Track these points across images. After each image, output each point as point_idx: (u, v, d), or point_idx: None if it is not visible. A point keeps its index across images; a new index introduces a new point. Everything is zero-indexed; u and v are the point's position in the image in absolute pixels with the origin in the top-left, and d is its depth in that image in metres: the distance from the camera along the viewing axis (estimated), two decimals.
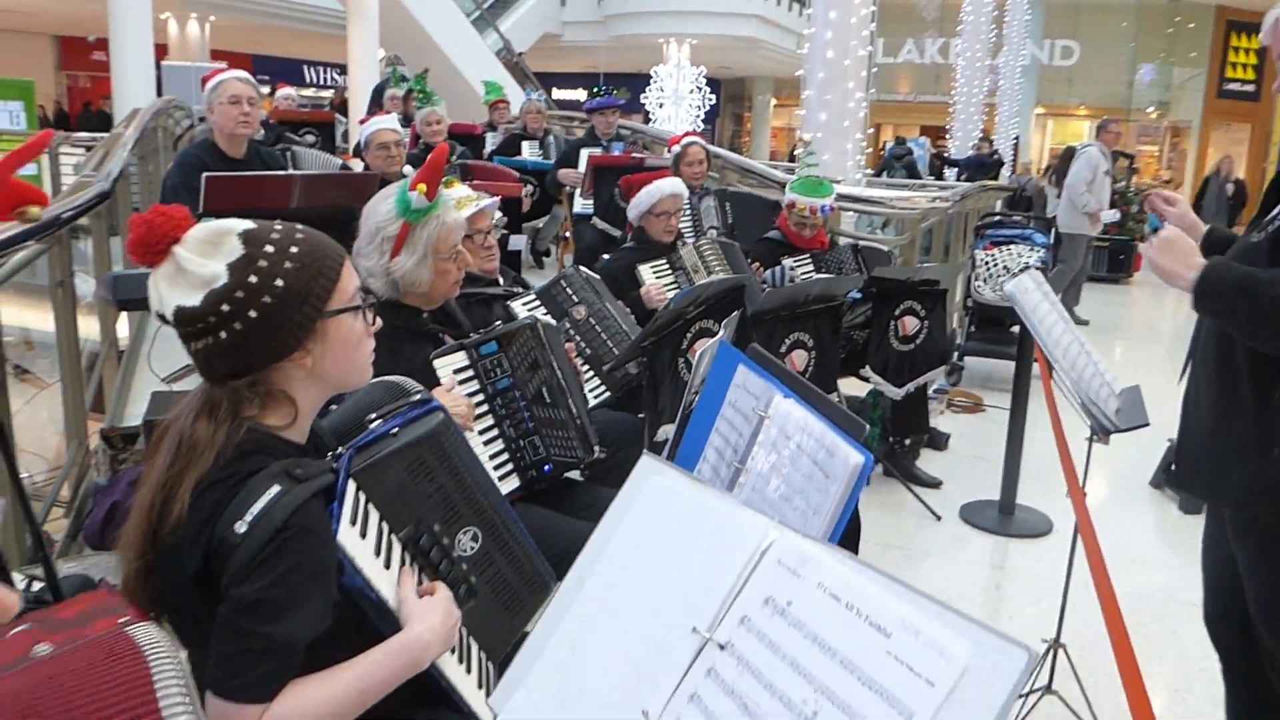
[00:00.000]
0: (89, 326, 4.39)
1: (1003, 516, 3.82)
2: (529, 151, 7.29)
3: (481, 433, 2.19)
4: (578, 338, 3.09)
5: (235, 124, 3.58)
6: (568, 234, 6.78)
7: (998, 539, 3.72)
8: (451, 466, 1.51)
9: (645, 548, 0.99)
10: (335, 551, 1.27)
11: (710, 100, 19.47)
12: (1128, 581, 3.43)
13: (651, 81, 19.40)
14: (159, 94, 10.75)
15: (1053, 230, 5.98)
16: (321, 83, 27.02)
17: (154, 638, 0.79)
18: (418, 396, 1.55)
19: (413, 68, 19.28)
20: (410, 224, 2.08)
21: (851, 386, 4.20)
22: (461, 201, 3.03)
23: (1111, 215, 8.02)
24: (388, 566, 1.39)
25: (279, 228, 1.33)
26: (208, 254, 1.26)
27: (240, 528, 1.18)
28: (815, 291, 3.27)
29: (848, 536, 1.29)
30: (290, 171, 3.27)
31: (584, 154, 6.16)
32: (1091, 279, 8.95)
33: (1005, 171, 16.53)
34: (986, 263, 5.65)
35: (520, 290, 3.17)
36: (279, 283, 1.26)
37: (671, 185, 3.78)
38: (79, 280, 3.81)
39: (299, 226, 1.36)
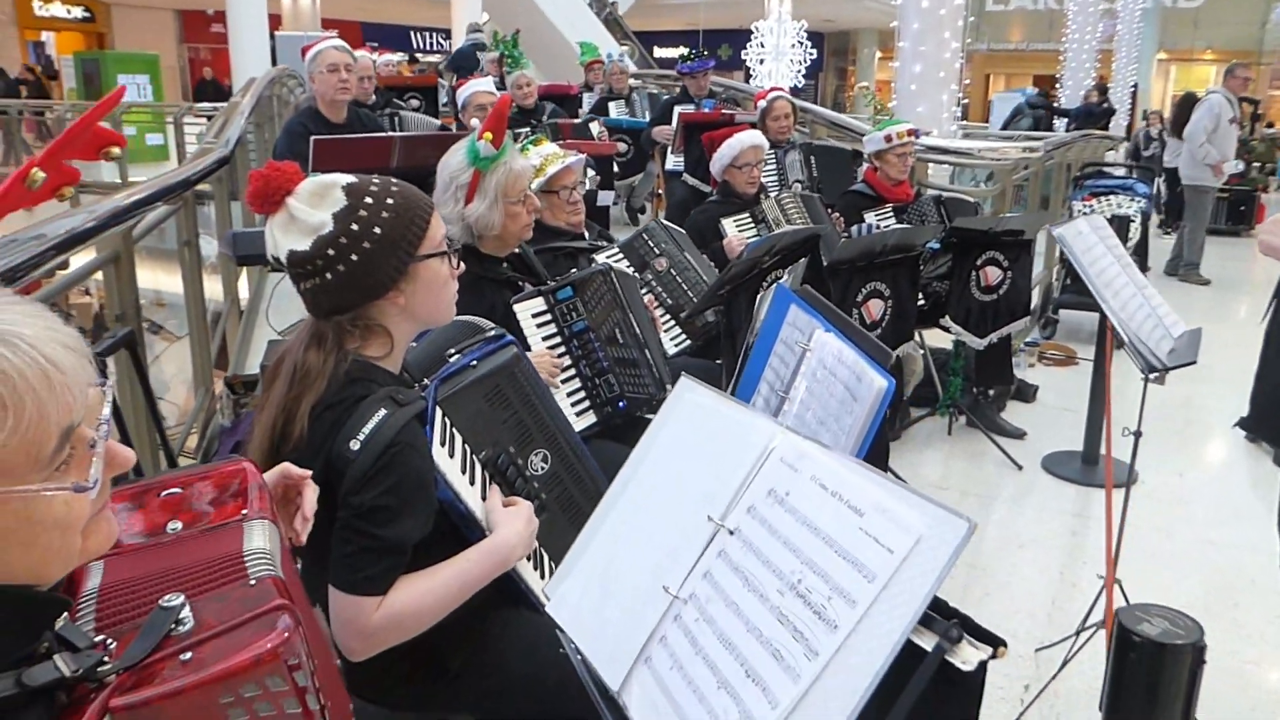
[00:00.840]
0: (212, 287, 4.74)
1: (1085, 466, 3.82)
2: (615, 111, 7.41)
3: (561, 371, 2.36)
4: (659, 288, 3.23)
5: (335, 90, 3.81)
6: (660, 191, 6.89)
7: (1079, 488, 3.74)
8: (524, 395, 1.68)
9: (677, 453, 1.13)
10: (433, 466, 1.45)
11: (812, 55, 19.09)
12: (1209, 531, 3.43)
13: (752, 37, 19.14)
14: (273, 64, 11.21)
15: (1155, 181, 5.81)
16: (427, 48, 27.57)
17: (259, 542, 0.95)
18: (492, 333, 1.72)
19: (513, 30, 19.52)
20: (480, 171, 2.24)
21: (938, 339, 4.24)
22: (549, 158, 3.19)
23: (1234, 166, 7.66)
24: (472, 483, 1.57)
25: (377, 182, 1.50)
26: (316, 204, 1.44)
27: (354, 445, 1.37)
28: (891, 242, 3.33)
29: (874, 456, 1.40)
30: (389, 133, 3.47)
31: (676, 112, 6.25)
32: (1211, 232, 8.61)
33: (1121, 121, 15.86)
34: (1084, 214, 5.54)
35: (605, 244, 3.32)
36: (377, 230, 1.43)
37: (751, 138, 3.86)
38: (203, 243, 4.13)
39: (394, 181, 1.53)
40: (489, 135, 2.21)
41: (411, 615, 1.38)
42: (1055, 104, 13.37)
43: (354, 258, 1.42)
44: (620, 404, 2.39)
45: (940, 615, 0.80)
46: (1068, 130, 11.22)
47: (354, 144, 3.29)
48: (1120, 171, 6.05)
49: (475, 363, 1.63)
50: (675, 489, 1.09)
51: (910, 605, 0.77)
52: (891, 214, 4.16)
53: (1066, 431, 4.17)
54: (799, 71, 19.04)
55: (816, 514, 0.90)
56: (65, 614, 0.84)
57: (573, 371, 2.38)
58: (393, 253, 1.45)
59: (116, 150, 0.87)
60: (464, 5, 16.18)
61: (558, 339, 2.37)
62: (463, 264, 1.59)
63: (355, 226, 1.42)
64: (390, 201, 1.47)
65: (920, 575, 0.78)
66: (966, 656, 0.78)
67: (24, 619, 0.75)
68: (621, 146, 6.99)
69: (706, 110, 6.29)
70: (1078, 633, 2.43)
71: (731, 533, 0.98)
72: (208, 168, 3.71)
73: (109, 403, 0.77)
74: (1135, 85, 18.75)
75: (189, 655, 0.81)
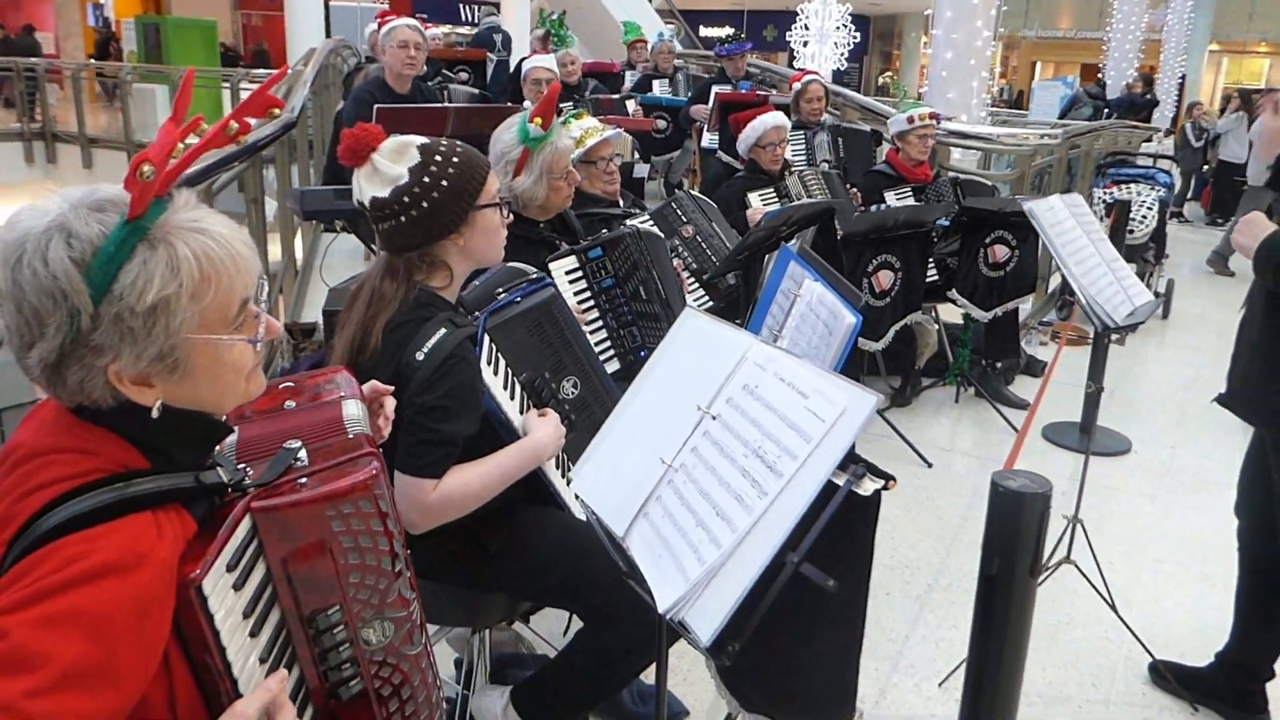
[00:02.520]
0: (271, 248, 5.10)
1: (1082, 436, 4.06)
2: (659, 89, 7.66)
3: (590, 324, 2.66)
4: (685, 253, 3.52)
5: (403, 65, 4.14)
6: (696, 167, 7.16)
7: (1075, 455, 3.98)
8: (559, 329, 1.99)
9: (678, 363, 1.43)
10: (481, 378, 1.76)
11: (855, 38, 19.14)
12: (1191, 497, 3.67)
13: (796, 19, 19.22)
14: (328, 34, 11.56)
15: (1194, 172, 5.94)
16: (476, 20, 27.83)
17: (354, 412, 1.26)
18: (534, 275, 2.02)
19: (562, 7, 19.70)
20: (529, 150, 2.54)
21: (953, 314, 4.49)
22: (589, 131, 3.48)
23: None
24: (512, 398, 1.88)
25: (445, 144, 1.81)
26: (395, 160, 1.75)
27: (419, 355, 1.68)
28: (902, 217, 3.58)
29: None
30: (446, 104, 3.78)
31: (714, 92, 6.51)
32: None
33: (1167, 113, 15.80)
34: (1105, 201, 5.74)
35: (637, 211, 3.61)
36: (444, 183, 1.74)
37: (774, 119, 4.13)
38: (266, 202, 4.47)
39: (459, 143, 1.84)
40: (539, 120, 2.51)
41: (460, 496, 1.69)
42: (1092, 92, 13.39)
43: (424, 205, 1.73)
44: (642, 353, 2.68)
45: (851, 462, 1.09)
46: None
47: (413, 113, 3.61)
48: (1144, 161, 6.23)
49: (519, 299, 1.94)
50: (674, 389, 1.39)
51: (832, 455, 1.06)
52: (910, 193, 4.41)
53: (1072, 405, 4.40)
54: (842, 55, 19.08)
55: (775, 399, 1.20)
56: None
57: (600, 323, 2.68)
58: (456, 202, 1.75)
59: (278, 111, 1.17)
60: None
61: (588, 293, 2.67)
62: (511, 216, 1.90)
63: (426, 179, 1.73)
64: (456, 160, 1.77)
65: (842, 434, 1.08)
66: (866, 487, 1.08)
67: (205, 437, 1.06)
68: (661, 123, 7.26)
69: (743, 91, 6.54)
70: (1046, 567, 2.70)
71: (714, 418, 1.28)
72: (275, 132, 4.04)
73: (266, 289, 1.09)
74: (1183, 77, 18.61)
75: (304, 480, 1.12)
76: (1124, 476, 3.82)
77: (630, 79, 8.23)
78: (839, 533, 1.06)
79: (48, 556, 0.88)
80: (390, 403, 1.48)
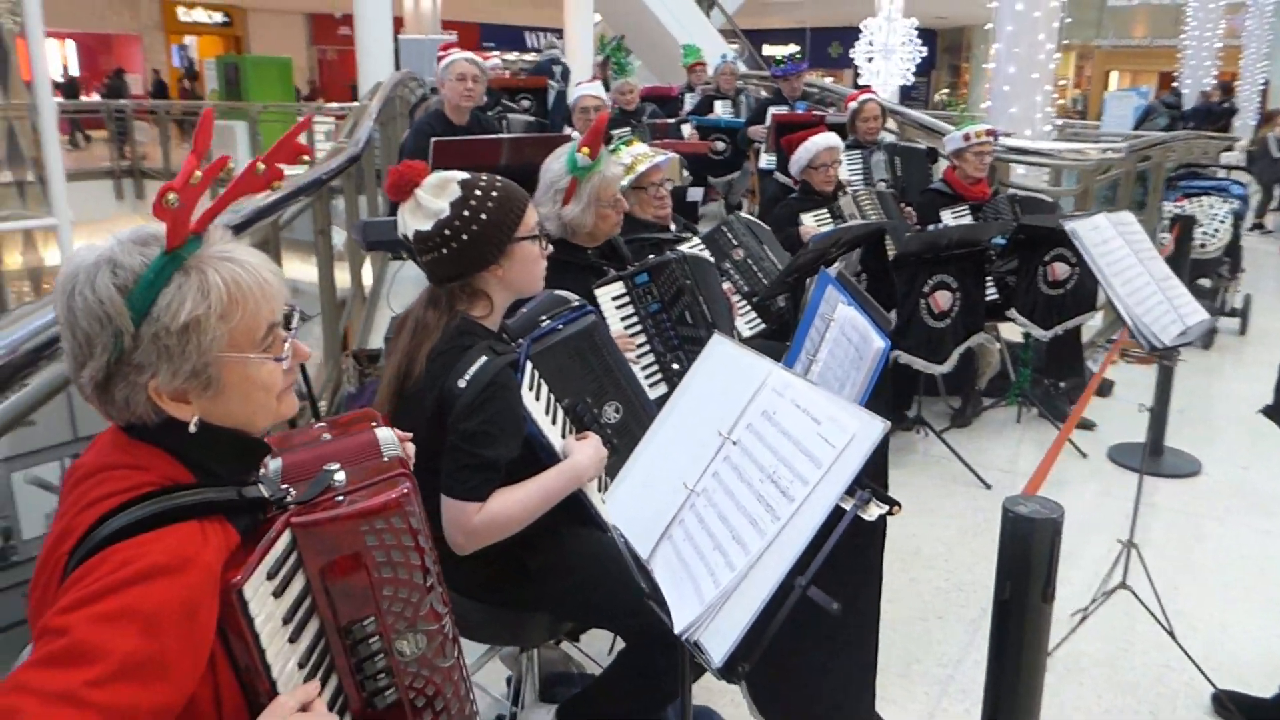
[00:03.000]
0: (339, 275, 5.28)
1: (1150, 457, 3.97)
2: (721, 110, 7.72)
3: (637, 349, 2.70)
4: (736, 276, 3.54)
5: (460, 97, 4.26)
6: (754, 188, 7.19)
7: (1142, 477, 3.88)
8: (601, 355, 2.04)
9: (704, 389, 1.47)
10: (523, 404, 1.81)
11: (922, 53, 18.97)
12: (1264, 521, 3.56)
13: (860, 35, 19.13)
14: (396, 66, 11.88)
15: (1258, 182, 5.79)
16: (540, 48, 28.32)
17: (388, 436, 1.33)
18: (577, 303, 2.07)
19: (624, 31, 19.88)
20: (577, 179, 2.60)
21: (1016, 333, 4.42)
22: (639, 157, 3.54)
23: None
24: (554, 422, 1.93)
25: (485, 179, 1.88)
26: (437, 194, 1.82)
27: (462, 383, 1.74)
28: (955, 236, 3.56)
29: (875, 403, 1.68)
30: (500, 135, 3.89)
31: (771, 112, 6.54)
32: None
33: (1249, 121, 15.30)
34: (1174, 214, 5.61)
35: (688, 235, 3.65)
36: (483, 217, 1.81)
37: (826, 140, 4.14)
38: (334, 233, 4.64)
39: (499, 178, 1.91)
40: (586, 150, 2.57)
41: (504, 518, 1.75)
42: (1168, 100, 13.04)
43: (464, 237, 1.80)
44: None
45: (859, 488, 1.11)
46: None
47: (468, 144, 3.71)
48: (1218, 173, 6.07)
49: (561, 327, 2.00)
50: (699, 415, 1.42)
51: (841, 480, 1.09)
52: (968, 211, 4.37)
53: (1142, 425, 4.30)
54: (908, 70, 18.92)
55: (791, 425, 1.22)
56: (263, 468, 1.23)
57: (647, 348, 2.72)
58: (495, 234, 1.82)
59: (307, 159, 1.25)
60: (576, 6, 16.67)
61: (635, 318, 2.71)
62: (551, 246, 1.95)
63: (466, 213, 1.80)
64: (495, 194, 1.84)
65: (850, 460, 1.10)
66: (871, 512, 1.09)
67: (242, 453, 1.14)
68: (720, 145, 7.31)
69: (800, 111, 6.56)
70: (1103, 596, 2.65)
71: (735, 443, 1.31)
72: (340, 165, 4.20)
73: (298, 315, 1.16)
74: (1265, 83, 18.02)
75: (341, 498, 1.18)
76: (1192, 499, 3.72)
77: (690, 101, 8.32)
78: (847, 557, 1.08)
79: (104, 561, 0.97)
80: (410, 448, 1.55)
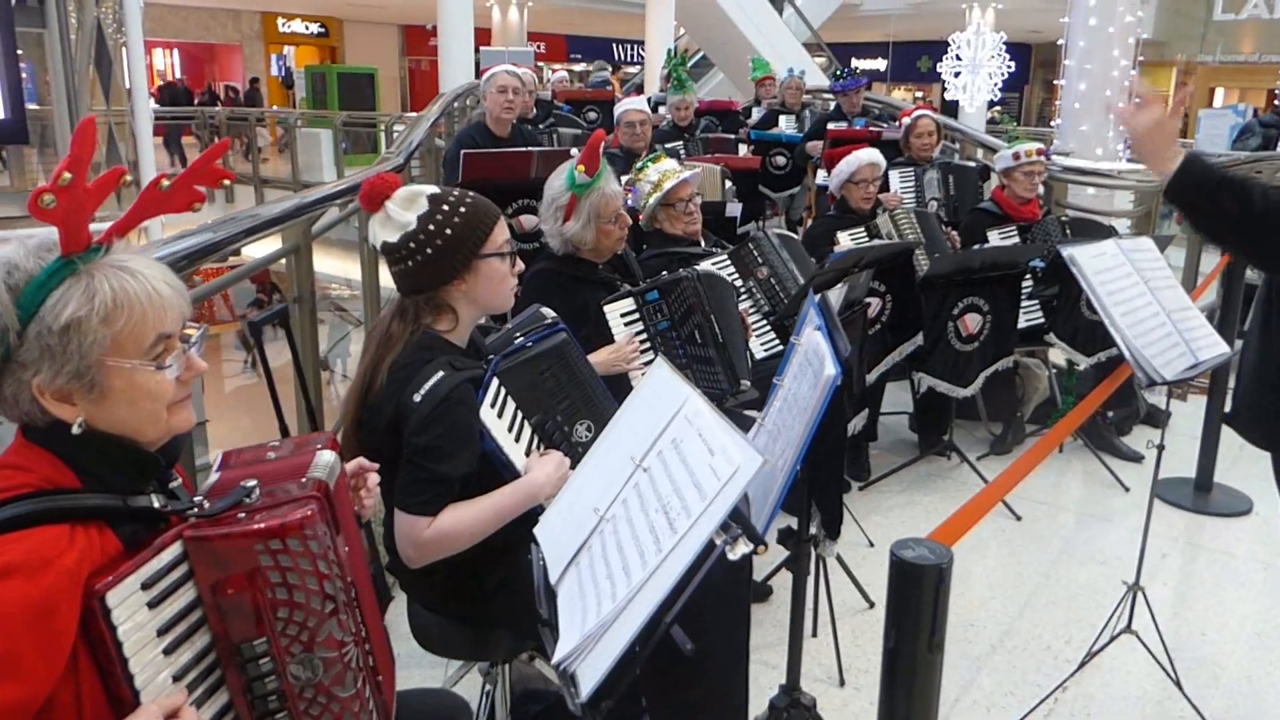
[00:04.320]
0: (385, 279, 5.38)
1: (1197, 493, 3.79)
2: (785, 125, 7.64)
3: (646, 366, 2.68)
4: (759, 295, 3.50)
5: (501, 109, 4.31)
6: (811, 204, 7.09)
7: (1188, 515, 3.71)
8: (572, 373, 2.03)
9: (636, 412, 1.44)
10: (479, 420, 1.81)
11: (1010, 68, 18.51)
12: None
13: (948, 49, 18.77)
14: (477, 76, 12.07)
15: None
16: (630, 59, 28.52)
17: (325, 460, 1.33)
18: (549, 320, 2.07)
19: (708, 44, 19.80)
20: (576, 196, 2.60)
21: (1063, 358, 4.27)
22: (667, 174, 3.53)
23: None
24: (518, 440, 1.92)
25: (455, 194, 1.89)
26: (406, 207, 1.84)
27: (417, 397, 1.75)
28: (989, 258, 3.45)
29: (827, 437, 1.63)
30: (531, 149, 3.91)
31: (830, 128, 6.45)
32: None
33: None
34: None
35: (717, 251, 3.62)
36: (448, 231, 1.82)
37: (869, 155, 4.06)
38: None
39: (470, 194, 1.92)
40: (583, 167, 2.57)
41: (455, 533, 1.75)
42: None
43: (429, 251, 1.81)
44: None
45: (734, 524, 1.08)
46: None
47: (499, 157, 3.75)
48: None
49: (531, 344, 1.99)
50: (623, 440, 1.40)
51: (718, 515, 1.06)
52: (1015, 233, 4.24)
53: (1189, 458, 4.11)
54: (996, 85, 18.50)
55: (691, 454, 1.19)
56: (179, 480, 1.25)
57: None
58: (459, 249, 1.83)
59: (227, 182, 1.28)
60: (658, 18, 16.75)
61: (644, 335, 2.69)
62: (521, 264, 1.96)
63: (432, 227, 1.81)
64: (463, 210, 1.85)
65: (729, 494, 1.07)
66: (737, 551, 1.06)
67: (133, 464, 1.16)
68: (780, 159, 7.24)
69: (858, 128, 6.46)
70: (1109, 640, 2.53)
71: (645, 470, 1.28)
72: (388, 167, 4.27)
73: (200, 331, 1.19)
74: None
75: (243, 515, 1.19)
76: (1238, 540, 3.53)
77: (756, 115, 8.26)
78: (715, 594, 1.05)
79: None
80: (373, 479, 1.55)
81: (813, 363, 1.69)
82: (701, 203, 4.75)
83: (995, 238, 4.21)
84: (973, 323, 3.55)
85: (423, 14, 22.77)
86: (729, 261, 3.53)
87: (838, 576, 2.97)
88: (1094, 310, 3.79)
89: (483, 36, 20.70)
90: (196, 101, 20.02)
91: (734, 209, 4.32)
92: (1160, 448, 2.51)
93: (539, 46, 28.61)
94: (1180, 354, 2.12)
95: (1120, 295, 2.12)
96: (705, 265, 3.45)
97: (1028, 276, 3.99)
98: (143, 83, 11.59)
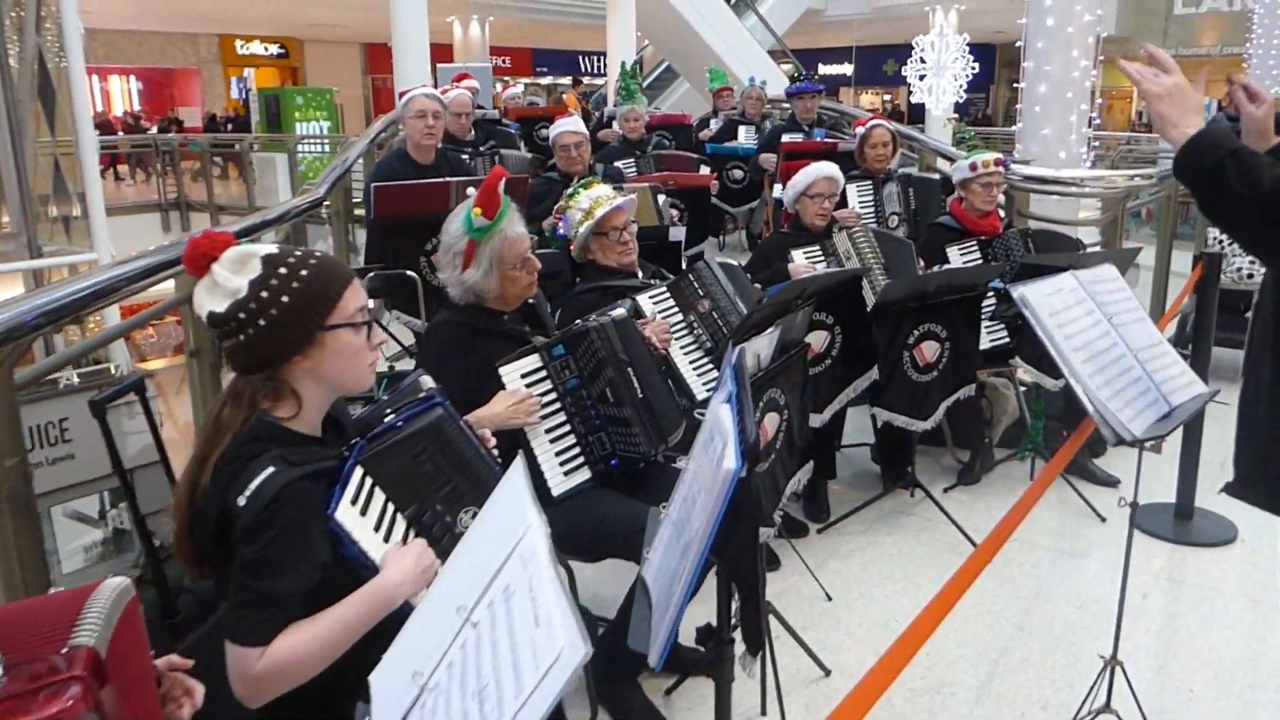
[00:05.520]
0: None
1: (1179, 522, 3.54)
2: (744, 136, 7.40)
3: (555, 429, 2.40)
4: (699, 329, 3.22)
5: (421, 135, 4.01)
6: (769, 219, 6.85)
7: (1170, 546, 3.46)
8: (453, 453, 1.75)
9: (480, 533, 1.17)
10: (323, 523, 1.53)
11: (974, 69, 18.39)
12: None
13: (912, 52, 18.64)
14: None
15: None
16: (596, 71, 28.30)
17: (95, 622, 1.04)
18: (423, 394, 1.79)
19: (672, 54, 19.59)
20: (475, 240, 2.32)
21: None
22: (598, 201, 3.26)
23: None
24: (388, 539, 1.64)
25: (297, 255, 1.61)
26: (236, 271, 1.56)
27: (241, 500, 1.48)
28: (944, 281, 3.20)
29: (733, 538, 1.37)
30: (447, 179, 3.63)
31: (785, 140, 6.21)
32: None
33: None
34: (1221, 241, 5.13)
35: (655, 282, 3.35)
36: (284, 299, 1.54)
37: (826, 168, 3.81)
38: None
39: (317, 254, 1.64)
40: (479, 210, 2.30)
41: (294, 663, 1.46)
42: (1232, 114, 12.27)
43: (261, 322, 1.53)
44: (613, 461, 2.42)
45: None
46: None
47: (413, 189, 3.46)
48: None
49: (401, 423, 1.71)
50: (465, 572, 1.12)
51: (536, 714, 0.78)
52: (976, 248, 4.00)
53: (1169, 479, 3.86)
54: (961, 86, 18.39)
55: (518, 618, 0.92)
56: None
57: (568, 428, 2.42)
58: (299, 320, 1.55)
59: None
60: (619, 29, 16.52)
61: (553, 395, 2.41)
62: (381, 335, 1.68)
63: (265, 294, 1.53)
64: (304, 274, 1.57)
65: (549, 688, 0.79)
66: None
67: None
68: (738, 173, 7.00)
69: (818, 139, 6.22)
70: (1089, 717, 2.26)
71: (474, 626, 1.00)
72: (301, 207, 3.99)
73: None
74: None
75: None
76: (1224, 574, 3.28)
77: (714, 126, 8.02)
78: None
79: None
80: (199, 690, 1.25)
81: (716, 446, 1.42)
82: (639, 229, 4.52)
83: (955, 254, 3.97)
84: (930, 351, 3.29)
85: (384, 32, 22.35)
86: (668, 294, 3.26)
87: (785, 644, 2.69)
88: None
89: (445, 52, 20.45)
90: (155, 129, 19.66)
91: (677, 233, 4.05)
92: (1133, 505, 2.25)
93: (503, 60, 28.39)
94: (1151, 401, 1.86)
95: (1080, 339, 1.86)
96: (642, 298, 3.21)
97: (989, 295, 3.75)
98: (86, 112, 11.26)
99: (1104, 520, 3.62)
